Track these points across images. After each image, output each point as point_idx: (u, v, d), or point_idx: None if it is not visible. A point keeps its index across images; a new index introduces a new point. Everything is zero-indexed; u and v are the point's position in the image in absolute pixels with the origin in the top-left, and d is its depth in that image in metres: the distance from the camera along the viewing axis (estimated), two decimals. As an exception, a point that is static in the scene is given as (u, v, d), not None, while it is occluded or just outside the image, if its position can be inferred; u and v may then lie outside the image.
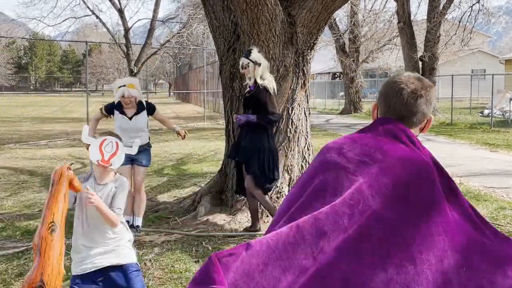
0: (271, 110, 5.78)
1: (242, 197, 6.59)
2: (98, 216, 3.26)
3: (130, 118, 5.98)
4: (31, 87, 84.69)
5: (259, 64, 5.78)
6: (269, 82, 5.84)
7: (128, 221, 6.11)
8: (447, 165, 10.89)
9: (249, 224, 6.20)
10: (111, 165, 3.31)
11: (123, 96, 5.92)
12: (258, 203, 6.10)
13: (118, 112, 5.98)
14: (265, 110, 5.76)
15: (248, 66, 5.78)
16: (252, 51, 5.83)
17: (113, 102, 6.05)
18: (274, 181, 6.00)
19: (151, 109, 6.19)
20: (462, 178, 9.40)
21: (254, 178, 5.84)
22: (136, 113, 6.02)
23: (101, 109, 6.09)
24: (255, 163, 5.81)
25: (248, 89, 5.98)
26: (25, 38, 34.51)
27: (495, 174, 9.91)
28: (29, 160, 12.21)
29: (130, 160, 5.87)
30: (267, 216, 6.45)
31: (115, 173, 3.50)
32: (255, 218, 6.12)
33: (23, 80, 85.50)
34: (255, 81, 5.82)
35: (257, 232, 5.95)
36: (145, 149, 6.06)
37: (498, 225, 6.32)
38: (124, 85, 5.99)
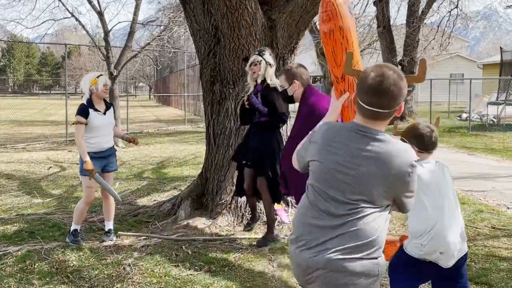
0: (281, 111, 5.67)
1: (223, 201, 6.58)
2: None
3: (104, 113, 5.87)
4: (9, 90, 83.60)
5: (271, 65, 5.70)
6: (278, 84, 5.60)
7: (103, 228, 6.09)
8: (426, 168, 11.00)
9: (235, 227, 6.21)
10: None
11: (104, 85, 5.83)
12: (255, 202, 6.13)
13: (92, 110, 5.78)
14: (275, 108, 5.62)
15: (259, 64, 5.65)
16: (265, 51, 5.74)
17: (82, 104, 5.72)
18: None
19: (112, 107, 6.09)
20: (440, 182, 9.49)
21: (267, 180, 5.70)
22: (107, 108, 5.93)
23: (81, 122, 5.75)
24: (268, 164, 5.67)
25: (252, 89, 5.81)
26: (3, 40, 34.09)
27: (472, 177, 10.03)
28: (6, 163, 12.05)
29: (100, 166, 5.76)
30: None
31: None
32: (254, 216, 6.21)
33: (0, 82, 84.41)
34: (263, 81, 5.69)
35: (239, 236, 5.94)
36: (113, 152, 5.97)
37: (476, 228, 6.39)
38: (100, 75, 5.89)
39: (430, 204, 3.09)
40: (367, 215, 2.27)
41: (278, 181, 5.24)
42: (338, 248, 2.25)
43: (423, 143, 3.23)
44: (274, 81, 5.67)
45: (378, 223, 2.28)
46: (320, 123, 2.52)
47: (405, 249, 3.17)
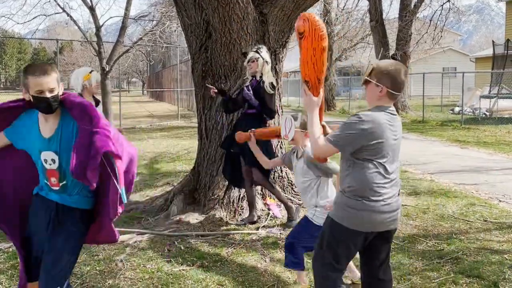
0: (270, 107, 6.04)
1: (215, 196, 6.57)
2: None
3: (95, 107, 5.82)
4: (1, 86, 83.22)
5: (267, 63, 6.04)
6: (274, 81, 6.11)
7: None
8: (419, 162, 11.03)
9: (227, 222, 6.21)
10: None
11: (97, 81, 5.81)
12: (255, 194, 6.35)
13: None
14: (265, 104, 5.99)
15: (257, 61, 5.97)
16: (262, 48, 6.05)
17: None
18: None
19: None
20: (433, 175, 9.53)
21: (259, 168, 5.92)
22: (96, 104, 5.90)
23: None
24: (252, 155, 5.81)
25: (247, 84, 6.13)
26: (-6, 36, 33.83)
27: (465, 170, 10.06)
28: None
29: None
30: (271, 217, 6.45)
31: None
32: (251, 208, 6.29)
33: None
34: (258, 78, 6.03)
35: (231, 231, 5.94)
36: None
37: (468, 221, 6.41)
38: (92, 70, 5.87)
39: None
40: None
41: None
42: (397, 194, 3.25)
43: None
44: (269, 78, 6.02)
45: None
46: (314, 119, 3.21)
47: None
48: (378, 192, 3.10)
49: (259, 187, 6.62)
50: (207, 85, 6.40)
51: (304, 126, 4.03)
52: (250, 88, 6.05)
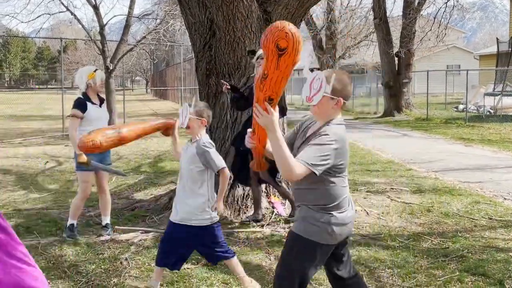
0: (281, 104, 5.92)
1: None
2: None
3: (100, 106, 5.86)
4: (5, 85, 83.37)
5: None
6: None
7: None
8: (423, 160, 11.01)
9: (232, 220, 6.23)
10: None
11: (102, 79, 5.82)
12: (261, 191, 6.39)
13: (90, 103, 5.76)
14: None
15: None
16: None
17: (79, 97, 5.69)
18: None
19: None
20: (437, 173, 9.51)
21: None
22: (101, 101, 5.92)
23: (77, 116, 5.74)
24: None
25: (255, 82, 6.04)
26: (-2, 35, 33.93)
27: (469, 168, 10.04)
28: (2, 158, 12.02)
29: (98, 161, 5.72)
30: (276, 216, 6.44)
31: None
32: (257, 206, 6.28)
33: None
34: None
35: (236, 230, 5.94)
36: None
37: (473, 219, 6.40)
38: (97, 69, 5.89)
39: None
40: None
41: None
42: None
43: None
44: None
45: None
46: (280, 137, 2.84)
47: None
48: (344, 205, 3.10)
49: (263, 185, 6.62)
50: (221, 81, 6.32)
51: (200, 114, 4.10)
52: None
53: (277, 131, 2.81)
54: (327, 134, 2.96)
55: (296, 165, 2.82)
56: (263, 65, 2.82)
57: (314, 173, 2.87)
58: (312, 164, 2.87)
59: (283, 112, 6.20)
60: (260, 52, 5.97)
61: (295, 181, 3.00)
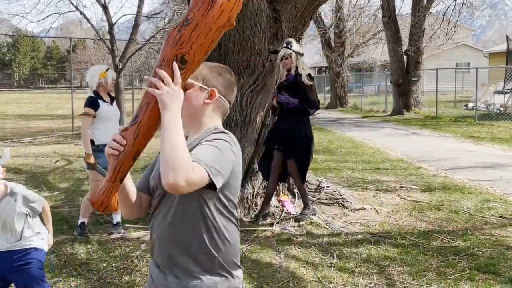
0: (312, 99, 6.15)
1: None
2: None
3: (111, 104, 5.89)
4: (15, 84, 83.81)
5: (302, 54, 6.16)
6: (310, 72, 6.21)
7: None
8: (433, 158, 10.99)
9: (241, 218, 6.25)
10: None
11: (113, 79, 5.87)
12: (274, 189, 6.44)
13: (101, 101, 5.79)
14: (306, 97, 6.08)
15: (290, 57, 6.08)
16: (292, 42, 6.15)
17: (91, 96, 5.72)
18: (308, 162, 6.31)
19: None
20: (447, 171, 9.48)
21: (296, 161, 6.15)
22: (111, 100, 5.96)
23: (89, 114, 5.76)
24: (300, 148, 6.14)
25: (284, 78, 6.24)
26: (8, 35, 34.13)
27: (479, 167, 10.00)
28: (13, 158, 12.08)
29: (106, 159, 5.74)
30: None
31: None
32: (267, 201, 6.34)
33: (6, 77, 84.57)
34: (293, 72, 6.13)
35: (246, 228, 5.96)
36: None
37: (483, 217, 6.38)
38: (108, 68, 5.94)
39: None
40: None
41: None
42: None
43: None
44: (306, 70, 6.14)
45: None
46: (179, 122, 1.81)
47: None
48: (238, 260, 2.02)
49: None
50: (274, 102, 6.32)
51: None
52: (280, 95, 6.14)
53: (175, 111, 1.78)
54: (223, 132, 1.99)
55: (195, 165, 1.73)
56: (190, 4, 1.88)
57: (213, 186, 1.79)
58: (215, 169, 1.78)
59: (314, 105, 6.26)
60: (283, 52, 6.05)
61: (174, 201, 1.92)
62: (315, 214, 6.31)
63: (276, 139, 6.26)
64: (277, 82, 6.42)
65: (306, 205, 6.32)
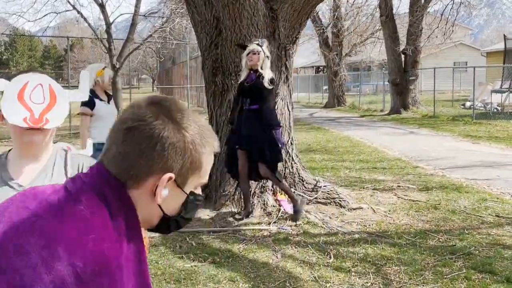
0: (268, 104, 5.99)
1: (226, 192, 6.59)
2: None
3: (108, 102, 5.88)
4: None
5: (269, 57, 5.97)
6: (273, 76, 6.06)
7: None
8: (430, 157, 10.99)
9: (237, 216, 6.25)
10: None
11: (110, 77, 5.87)
12: (248, 187, 6.33)
13: (98, 100, 5.77)
14: (265, 100, 5.93)
15: (259, 54, 5.85)
16: (264, 42, 5.97)
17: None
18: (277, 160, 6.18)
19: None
20: (444, 171, 9.49)
21: (266, 163, 6.02)
22: (109, 98, 5.95)
23: (86, 114, 5.76)
24: (266, 150, 6.00)
25: (244, 77, 6.04)
26: (5, 34, 34.09)
27: (477, 166, 10.01)
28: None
29: None
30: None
31: None
32: (246, 201, 6.28)
33: (3, 76, 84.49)
34: (257, 72, 5.92)
35: (243, 227, 5.96)
36: None
37: (480, 216, 6.39)
38: (105, 66, 5.94)
39: None
40: None
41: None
42: None
43: None
44: (269, 73, 5.93)
45: None
46: None
47: None
48: None
49: (270, 183, 6.63)
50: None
51: None
52: (277, 133, 6.07)
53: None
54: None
55: None
56: None
57: None
58: None
59: (269, 111, 6.09)
60: (253, 46, 5.91)
61: None
62: (307, 203, 6.31)
63: (238, 141, 6.11)
64: (239, 81, 6.28)
65: (293, 199, 6.20)
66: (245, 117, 6.04)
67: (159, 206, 1.17)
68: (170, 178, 1.14)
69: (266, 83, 5.83)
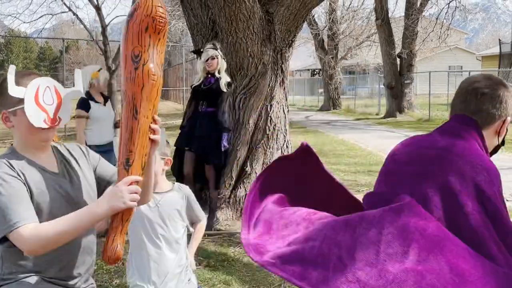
0: (224, 107, 6.16)
1: (221, 195, 6.56)
2: None
3: (105, 104, 5.86)
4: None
5: (224, 59, 6.09)
6: (229, 80, 6.14)
7: None
8: (425, 161, 10.99)
9: (233, 221, 6.25)
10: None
11: (105, 79, 5.86)
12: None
13: (93, 102, 5.74)
14: (221, 104, 6.13)
15: (217, 58, 5.99)
16: (218, 44, 6.09)
17: (81, 98, 5.56)
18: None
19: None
20: (439, 174, 9.49)
21: (214, 168, 6.16)
22: (105, 100, 5.93)
23: (81, 116, 5.71)
24: (214, 154, 6.08)
25: (200, 81, 6.13)
26: (0, 35, 34.01)
27: (472, 169, 10.00)
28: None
29: None
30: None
31: None
32: (212, 211, 6.29)
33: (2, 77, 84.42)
34: (215, 76, 6.04)
35: (238, 231, 5.94)
36: (112, 147, 5.93)
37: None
38: (101, 68, 5.93)
39: None
40: None
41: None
42: None
43: None
44: (226, 76, 6.09)
45: None
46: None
47: None
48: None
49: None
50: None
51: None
52: (224, 138, 6.11)
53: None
54: None
55: None
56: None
57: None
58: None
59: (223, 115, 6.24)
60: (211, 52, 5.98)
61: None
62: (218, 224, 6.15)
63: (189, 142, 6.14)
64: (193, 85, 6.33)
65: (212, 215, 6.14)
66: (201, 119, 6.11)
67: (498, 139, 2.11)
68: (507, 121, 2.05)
69: (223, 87, 5.98)
